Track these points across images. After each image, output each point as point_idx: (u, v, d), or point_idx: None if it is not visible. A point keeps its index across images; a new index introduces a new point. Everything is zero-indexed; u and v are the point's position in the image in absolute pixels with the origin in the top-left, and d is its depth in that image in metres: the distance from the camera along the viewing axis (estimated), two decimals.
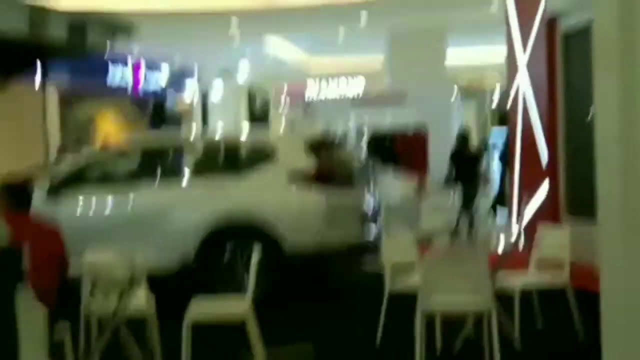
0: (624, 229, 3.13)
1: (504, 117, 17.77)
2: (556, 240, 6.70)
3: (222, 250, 8.04)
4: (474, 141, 18.64)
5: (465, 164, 13.69)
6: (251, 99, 28.41)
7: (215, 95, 22.13)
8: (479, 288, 5.57)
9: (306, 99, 19.13)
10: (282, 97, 25.45)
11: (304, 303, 8.22)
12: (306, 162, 8.05)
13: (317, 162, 8.09)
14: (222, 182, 8.38)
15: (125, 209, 8.32)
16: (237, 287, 7.74)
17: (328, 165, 8.17)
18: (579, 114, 9.66)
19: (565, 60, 10.07)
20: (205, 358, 6.12)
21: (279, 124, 21.79)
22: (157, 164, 9.13)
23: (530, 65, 10.52)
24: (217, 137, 10.25)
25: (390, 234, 7.24)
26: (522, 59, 10.67)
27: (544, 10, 10.17)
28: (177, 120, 22.29)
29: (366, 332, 6.71)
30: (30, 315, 3.74)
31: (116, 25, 2.80)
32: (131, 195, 8.43)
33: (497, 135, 18.13)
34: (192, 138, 10.46)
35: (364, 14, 16.53)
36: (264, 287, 7.32)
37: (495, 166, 16.96)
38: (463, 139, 13.99)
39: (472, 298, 5.63)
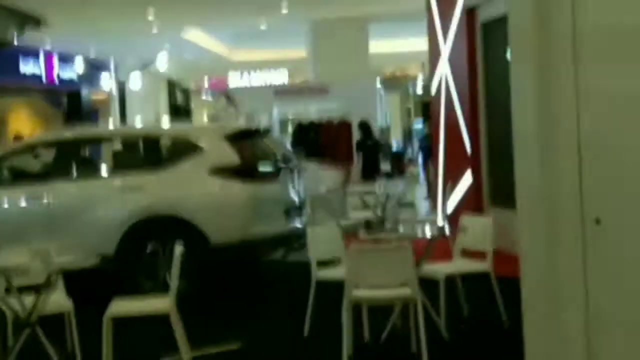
0: (541, 218, 3.19)
1: (427, 106, 18.08)
2: (479, 229, 6.81)
3: (143, 245, 7.95)
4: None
5: (368, 153, 14.09)
6: (171, 91, 28.26)
7: (134, 87, 21.79)
8: (404, 278, 5.63)
9: (228, 91, 19.02)
10: (203, 89, 25.37)
11: (232, 294, 8.23)
12: (229, 154, 7.99)
13: (240, 153, 8.04)
14: (142, 176, 8.28)
15: (40, 206, 8.12)
16: (160, 282, 7.70)
17: (251, 157, 8.12)
18: (499, 104, 9.83)
19: (485, 49, 10.24)
20: (128, 357, 6.03)
21: (201, 115, 21.65)
22: (73, 159, 8.94)
23: (451, 55, 10.66)
24: (136, 130, 10.14)
25: (315, 227, 7.20)
26: (444, 48, 10.80)
27: (463, 4, 10.33)
28: (94, 113, 21.97)
29: (295, 322, 6.72)
30: None
31: (24, 15, 2.67)
32: (45, 192, 8.21)
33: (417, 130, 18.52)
34: (109, 131, 10.32)
35: (284, 4, 16.51)
36: (190, 281, 7.33)
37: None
38: (363, 128, 14.32)
39: (397, 288, 5.71)
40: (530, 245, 3.26)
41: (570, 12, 3.04)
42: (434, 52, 11.12)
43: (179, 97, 29.22)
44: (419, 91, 22.92)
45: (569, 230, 3.09)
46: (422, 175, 16.52)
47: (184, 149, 8.35)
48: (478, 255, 6.76)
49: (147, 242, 7.97)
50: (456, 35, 10.57)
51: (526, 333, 3.34)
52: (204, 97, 26.18)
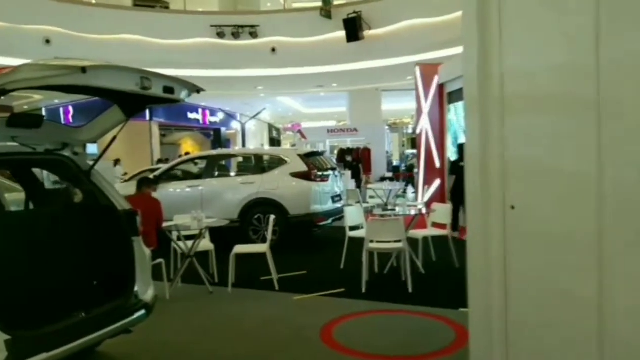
0: (480, 206, 3.14)
1: (414, 140, 18.07)
2: (442, 211, 6.71)
3: (253, 215, 7.98)
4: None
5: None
6: (270, 129, 28.53)
7: (249, 127, 22.00)
8: (399, 237, 5.59)
9: (301, 130, 19.07)
10: (288, 129, 25.49)
11: (301, 244, 8.24)
12: (302, 165, 8.01)
13: (308, 165, 8.05)
14: (253, 176, 8.35)
15: (197, 191, 8.24)
16: (261, 236, 7.77)
17: (314, 167, 8.12)
18: (454, 138, 9.71)
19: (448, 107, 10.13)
20: (243, 277, 6.10)
21: (287, 144, 21.72)
22: (216, 165, 9.08)
23: (429, 111, 10.53)
24: (251, 151, 10.22)
25: (349, 207, 7.18)
26: (425, 107, 10.67)
27: (438, 81, 10.23)
28: (228, 142, 22.29)
29: (336, 260, 6.73)
30: (141, 252, 3.71)
31: (192, 85, 2.78)
32: (200, 184, 8.35)
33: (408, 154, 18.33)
34: (236, 151, 10.41)
35: (334, 83, 16.56)
36: (279, 236, 7.40)
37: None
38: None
39: (394, 243, 5.67)
40: (472, 222, 3.20)
41: (499, 85, 2.99)
42: (419, 109, 10.97)
43: (274, 133, 29.38)
44: (410, 131, 22.61)
45: (494, 213, 3.03)
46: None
47: (277, 161, 8.37)
48: (442, 226, 6.69)
49: (255, 213, 7.98)
50: (432, 99, 10.45)
51: (469, 271, 3.26)
52: (288, 134, 26.29)
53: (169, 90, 3.12)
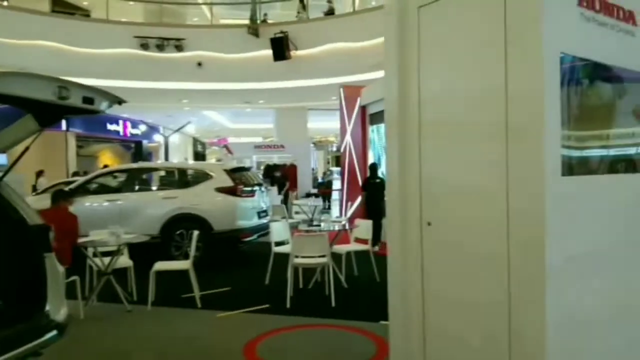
0: (399, 223, 3.25)
1: (338, 158, 18.52)
2: (364, 227, 6.88)
3: (175, 230, 7.71)
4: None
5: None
6: (195, 143, 27.91)
7: (173, 141, 21.38)
8: (323, 252, 5.65)
9: (228, 145, 18.79)
10: (213, 143, 25.08)
11: (225, 260, 8.07)
12: (227, 180, 7.90)
13: (234, 181, 7.95)
14: (176, 190, 8.11)
15: (116, 206, 7.87)
16: (184, 252, 7.53)
17: (240, 182, 8.03)
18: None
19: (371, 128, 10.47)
20: (164, 294, 5.88)
21: (212, 158, 21.31)
22: (136, 179, 8.73)
23: (352, 131, 10.81)
24: (174, 165, 9.92)
25: (275, 223, 7.15)
26: (348, 127, 10.94)
27: (360, 103, 10.54)
28: (149, 155, 21.49)
29: (260, 276, 6.68)
30: (54, 269, 3.47)
31: (114, 97, 2.65)
32: (119, 198, 7.97)
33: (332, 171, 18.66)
34: (158, 165, 10.06)
35: (261, 100, 16.57)
36: (202, 252, 7.19)
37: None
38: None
39: (319, 258, 5.72)
40: (392, 238, 3.31)
41: (417, 110, 3.14)
42: (342, 129, 11.24)
43: (199, 147, 28.79)
44: (334, 149, 23.02)
45: (412, 229, 3.16)
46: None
47: (201, 176, 8.18)
48: (364, 241, 6.85)
49: (178, 228, 7.71)
50: (355, 120, 10.75)
51: (389, 285, 3.37)
52: (214, 148, 25.86)
53: (88, 100, 2.98)
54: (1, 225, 3.38)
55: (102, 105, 3.13)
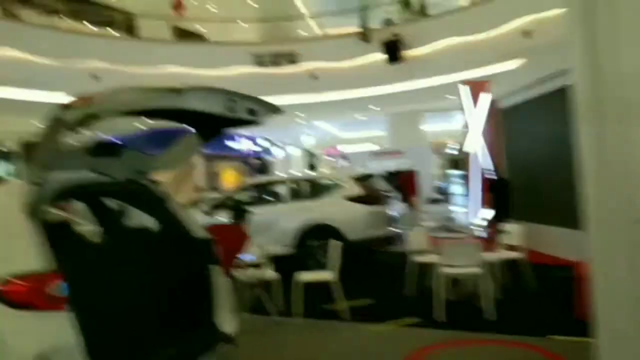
0: (600, 223, 2.80)
1: (455, 163, 17.73)
2: (516, 233, 6.28)
3: (308, 241, 7.67)
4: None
5: None
6: (307, 156, 28.49)
7: (290, 154, 21.83)
8: (476, 262, 5.23)
9: (342, 155, 18.73)
10: (327, 154, 25.36)
11: (358, 272, 7.89)
12: (357, 190, 7.74)
13: (363, 189, 7.78)
14: (307, 202, 8.12)
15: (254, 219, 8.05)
16: (317, 262, 7.45)
17: (369, 191, 7.84)
18: (513, 157, 9.36)
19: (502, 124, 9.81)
20: (308, 305, 5.78)
21: (328, 169, 21.44)
22: (267, 193, 8.89)
23: (480, 130, 10.17)
24: (303, 177, 9.97)
25: (412, 231, 6.81)
26: (474, 125, 10.31)
27: (489, 97, 9.92)
28: (268, 170, 22.21)
29: (398, 286, 6.42)
30: (221, 282, 3.49)
31: (276, 110, 2.55)
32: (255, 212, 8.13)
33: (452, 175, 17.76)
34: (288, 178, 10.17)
35: (373, 107, 16.39)
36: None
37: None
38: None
39: (471, 268, 5.29)
40: (594, 240, 2.85)
41: (619, 88, 2.69)
42: (467, 128, 10.58)
43: (311, 159, 29.35)
44: (450, 152, 22.02)
45: (620, 228, 2.70)
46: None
47: (332, 185, 8.12)
48: (513, 248, 6.27)
49: (311, 239, 7.67)
50: (483, 117, 10.11)
51: (597, 302, 2.89)
52: (327, 158, 26.17)
53: (251, 112, 2.94)
54: (169, 239, 3.47)
55: (262, 116, 3.07)
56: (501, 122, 9.73)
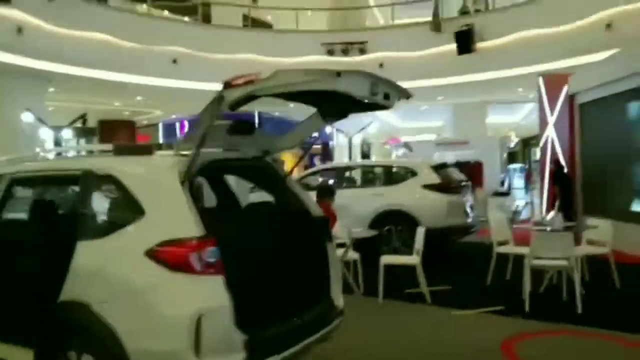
0: None
1: (511, 155, 17.37)
2: (604, 229, 6.10)
3: (383, 225, 7.69)
4: None
5: None
6: (363, 143, 28.48)
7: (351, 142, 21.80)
8: (567, 254, 5.16)
9: (407, 142, 18.55)
10: (388, 143, 25.16)
11: (434, 259, 7.89)
12: (434, 177, 7.74)
13: (440, 177, 7.77)
14: (381, 188, 8.20)
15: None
16: (393, 248, 7.54)
17: (446, 180, 7.82)
18: (589, 152, 9.08)
19: (580, 119, 9.50)
20: (391, 287, 5.85)
21: (389, 157, 21.32)
22: (343, 178, 8.98)
23: (556, 123, 9.90)
24: (378, 163, 10.03)
25: (494, 221, 6.73)
26: (551, 119, 10.04)
27: (567, 91, 9.64)
28: (331, 156, 22.30)
29: (479, 275, 6.40)
30: (334, 259, 3.64)
31: (407, 95, 2.56)
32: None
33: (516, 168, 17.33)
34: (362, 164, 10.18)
35: (440, 97, 16.16)
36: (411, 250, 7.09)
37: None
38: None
39: (561, 260, 5.23)
40: None
41: None
42: (542, 122, 10.34)
43: (365, 148, 29.24)
44: (511, 145, 21.51)
45: None
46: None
47: (407, 173, 8.14)
48: (599, 243, 6.13)
49: (385, 225, 7.72)
50: (560, 111, 9.84)
51: None
52: (386, 147, 25.98)
53: (386, 96, 3.01)
54: (290, 216, 3.64)
55: (394, 100, 3.13)
56: (579, 116, 9.42)
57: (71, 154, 4.39)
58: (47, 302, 2.84)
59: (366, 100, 2.92)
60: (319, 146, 23.57)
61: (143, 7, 17.59)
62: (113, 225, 2.88)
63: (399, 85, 3.09)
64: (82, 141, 16.00)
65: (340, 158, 22.90)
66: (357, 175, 8.95)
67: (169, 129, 19.68)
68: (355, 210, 7.89)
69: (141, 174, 2.93)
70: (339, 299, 3.56)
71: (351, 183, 8.82)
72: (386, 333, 4.67)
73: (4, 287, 3.29)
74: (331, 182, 8.75)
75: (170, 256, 2.57)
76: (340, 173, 8.89)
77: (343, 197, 8.10)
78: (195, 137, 2.79)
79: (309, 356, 3.25)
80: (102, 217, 3.14)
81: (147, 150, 3.19)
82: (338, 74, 2.49)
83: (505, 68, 13.24)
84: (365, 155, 29.05)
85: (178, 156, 2.99)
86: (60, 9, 11.35)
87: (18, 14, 10.64)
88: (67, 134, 13.27)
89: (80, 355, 2.75)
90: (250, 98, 2.63)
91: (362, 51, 14.24)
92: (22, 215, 4.02)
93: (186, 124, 19.03)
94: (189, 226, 2.65)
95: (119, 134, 17.87)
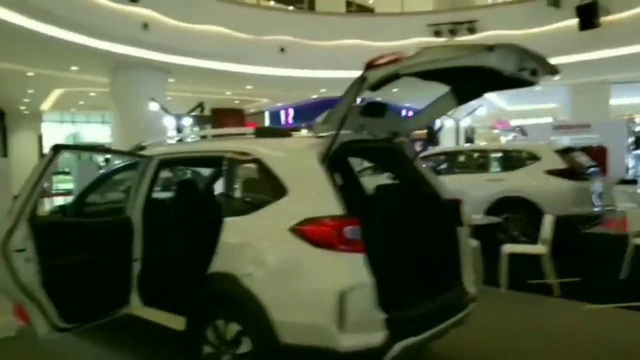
0: None
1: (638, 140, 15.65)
2: None
3: (501, 213, 7.28)
4: None
5: None
6: (468, 129, 27.42)
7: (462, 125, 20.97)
8: None
9: (516, 126, 17.38)
10: (496, 127, 23.87)
11: (561, 249, 7.43)
12: (559, 162, 7.22)
13: (565, 162, 7.23)
14: (500, 173, 7.82)
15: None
16: (509, 236, 7.17)
17: (571, 165, 7.27)
18: None
19: None
20: (512, 278, 5.59)
21: (495, 142, 20.18)
22: (456, 162, 8.68)
23: None
24: (496, 147, 9.52)
25: (629, 211, 6.16)
26: None
27: None
28: (437, 141, 21.71)
29: (610, 268, 5.94)
30: (466, 243, 3.53)
31: (554, 70, 2.43)
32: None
33: None
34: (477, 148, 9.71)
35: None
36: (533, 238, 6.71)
37: None
38: None
39: None
40: None
41: None
42: None
43: (468, 132, 28.10)
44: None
45: None
46: None
47: (528, 157, 7.64)
48: None
49: (502, 212, 7.30)
50: None
51: None
52: (495, 131, 24.68)
53: (533, 72, 2.83)
54: (419, 199, 3.58)
55: (541, 77, 2.94)
56: None
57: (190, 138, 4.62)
58: (198, 273, 3.07)
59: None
60: (422, 131, 22.95)
61: None
62: (257, 204, 3.01)
63: (546, 60, 2.89)
64: (196, 128, 17.08)
65: (446, 143, 22.21)
66: (472, 159, 8.58)
67: (275, 116, 20.35)
68: (470, 196, 7.53)
69: (283, 155, 3.03)
70: (470, 285, 3.45)
71: (466, 168, 8.46)
72: (516, 324, 4.47)
73: (158, 260, 3.61)
74: (445, 167, 8.47)
75: (315, 233, 2.63)
76: (453, 157, 8.59)
77: (457, 183, 7.86)
78: (335, 118, 2.83)
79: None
80: (245, 196, 3.30)
81: (286, 133, 3.31)
82: (490, 48, 2.38)
83: (633, 44, 11.98)
84: (469, 139, 27.96)
85: (316, 138, 3.06)
86: (180, 3, 12.13)
87: (144, 11, 11.54)
88: (186, 121, 14.20)
89: (227, 323, 2.94)
90: (391, 79, 2.61)
91: (471, 30, 13.62)
92: (165, 194, 4.38)
93: (290, 111, 19.55)
94: (331, 205, 2.69)
95: (230, 121, 18.82)
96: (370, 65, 2.58)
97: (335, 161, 4.20)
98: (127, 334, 4.06)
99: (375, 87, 2.63)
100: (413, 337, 2.77)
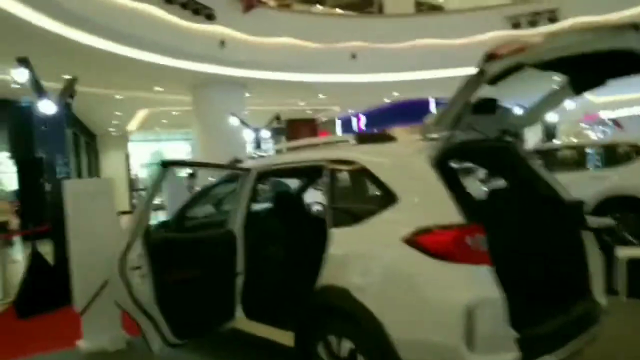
0: None
1: None
2: None
3: (604, 214, 6.64)
4: None
5: None
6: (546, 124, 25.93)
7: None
8: None
9: (608, 119, 16.17)
10: (585, 121, 22.32)
11: None
12: None
13: None
14: (604, 170, 7.16)
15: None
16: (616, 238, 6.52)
17: None
18: None
19: None
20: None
21: (585, 136, 18.83)
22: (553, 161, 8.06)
23: None
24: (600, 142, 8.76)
25: None
26: None
27: None
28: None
29: None
30: (593, 249, 3.17)
31: None
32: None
33: None
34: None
35: None
36: None
37: None
38: None
39: None
40: None
41: None
42: None
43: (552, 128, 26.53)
44: None
45: None
46: None
47: (635, 152, 6.97)
48: None
49: (608, 212, 6.63)
50: None
51: None
52: (581, 124, 23.15)
53: None
54: (538, 202, 3.28)
55: None
56: None
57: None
58: (305, 287, 2.95)
59: None
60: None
61: (318, 8, 18.37)
62: (364, 213, 2.85)
63: None
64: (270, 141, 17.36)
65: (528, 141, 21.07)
66: (569, 156, 7.93)
67: (346, 123, 20.26)
68: (578, 191, 6.99)
69: (391, 161, 2.86)
70: (601, 295, 3.09)
71: (563, 166, 7.84)
72: (614, 334, 3.99)
73: (260, 273, 3.55)
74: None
75: (435, 243, 2.41)
76: (548, 155, 8.01)
77: (568, 180, 7.29)
78: (447, 118, 2.62)
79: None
80: (350, 206, 3.16)
81: (389, 137, 3.13)
82: (635, 26, 2.07)
83: None
84: (550, 135, 26.42)
85: (424, 140, 2.86)
86: (253, 19, 12.38)
87: (221, 29, 11.87)
88: (265, 134, 14.45)
89: (340, 339, 2.79)
90: (512, 70, 2.37)
91: (553, 20, 12.81)
92: (262, 206, 4.34)
93: (362, 117, 19.38)
94: (449, 212, 2.48)
95: (303, 131, 18.97)
96: (490, 56, 2.34)
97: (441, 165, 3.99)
98: (232, 349, 4.04)
99: (494, 80, 2.40)
100: (548, 355, 2.49)
